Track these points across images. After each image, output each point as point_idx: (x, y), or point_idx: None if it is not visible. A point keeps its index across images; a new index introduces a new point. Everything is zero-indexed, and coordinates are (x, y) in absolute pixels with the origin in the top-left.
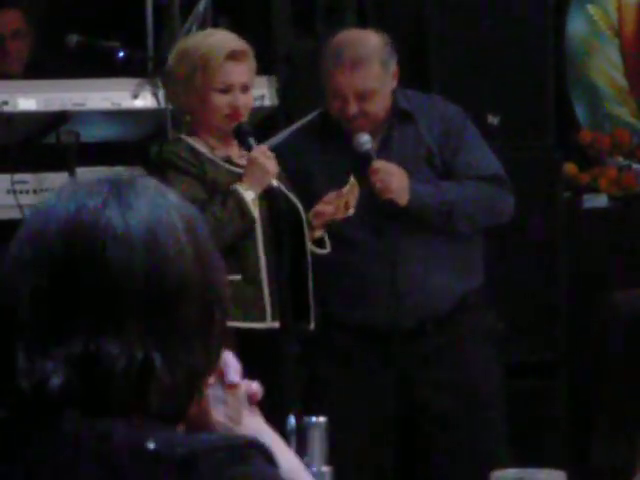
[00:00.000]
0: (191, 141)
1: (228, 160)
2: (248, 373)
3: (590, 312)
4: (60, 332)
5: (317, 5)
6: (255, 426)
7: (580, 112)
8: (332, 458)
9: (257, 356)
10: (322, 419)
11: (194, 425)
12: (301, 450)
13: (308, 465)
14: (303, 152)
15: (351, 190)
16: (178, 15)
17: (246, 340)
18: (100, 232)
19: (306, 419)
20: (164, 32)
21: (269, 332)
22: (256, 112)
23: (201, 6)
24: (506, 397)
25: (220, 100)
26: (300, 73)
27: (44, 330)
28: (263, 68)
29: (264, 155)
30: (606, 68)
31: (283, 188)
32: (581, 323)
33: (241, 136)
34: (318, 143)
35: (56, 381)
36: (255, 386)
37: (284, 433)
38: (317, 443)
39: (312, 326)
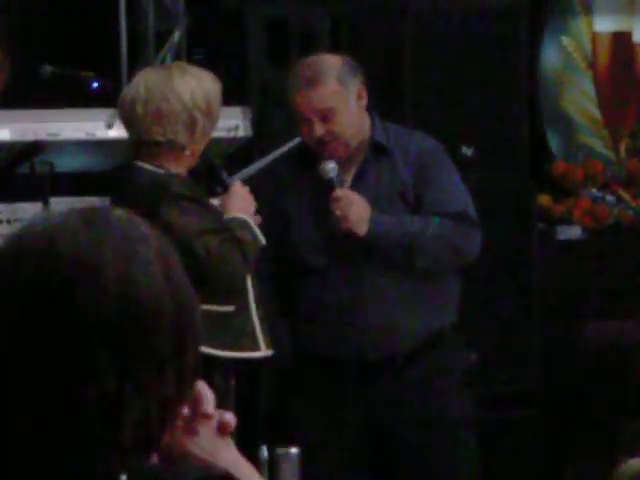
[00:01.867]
0: (182, 174)
1: None
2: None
3: (565, 343)
4: (28, 367)
5: (291, 36)
6: (229, 457)
7: (554, 143)
8: None
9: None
10: (293, 450)
11: (168, 456)
12: None
13: None
14: (278, 182)
15: None
16: (152, 45)
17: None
18: (71, 263)
19: (278, 450)
20: (138, 62)
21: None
22: (230, 143)
23: (176, 36)
24: (480, 429)
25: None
26: (275, 104)
27: (12, 362)
28: (237, 99)
29: (246, 191)
30: (580, 100)
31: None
32: (556, 354)
33: (214, 171)
34: (292, 173)
35: (25, 420)
36: (228, 416)
37: (257, 463)
38: (289, 474)
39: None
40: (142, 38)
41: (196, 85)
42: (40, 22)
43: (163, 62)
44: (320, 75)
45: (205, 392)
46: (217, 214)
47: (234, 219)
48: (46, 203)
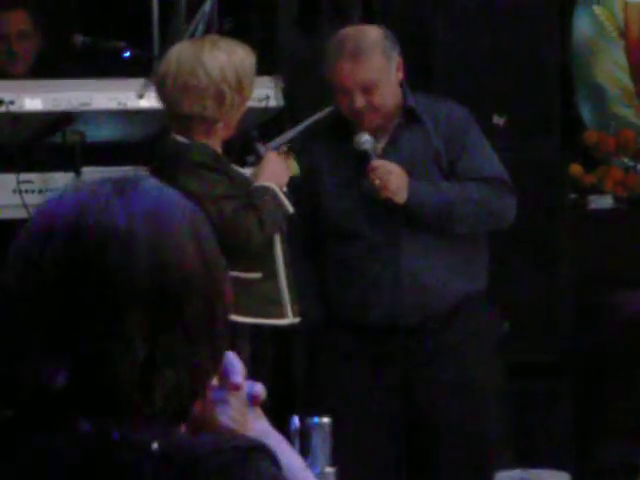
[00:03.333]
0: (207, 143)
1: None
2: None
3: (596, 313)
4: (64, 332)
5: (322, 5)
6: (259, 427)
7: (586, 113)
8: (336, 458)
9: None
10: (325, 420)
11: (198, 426)
12: (305, 451)
13: (312, 466)
14: (313, 150)
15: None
16: (184, 15)
17: (261, 338)
18: (103, 232)
19: (309, 420)
20: (169, 32)
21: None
22: (261, 112)
23: (207, 6)
24: (509, 397)
25: None
26: (305, 73)
27: (48, 330)
28: (268, 68)
29: (278, 158)
30: (612, 69)
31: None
32: (586, 324)
33: (249, 141)
34: (327, 141)
35: (61, 381)
36: (258, 387)
37: (288, 434)
38: (320, 444)
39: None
40: (174, 7)
41: (226, 59)
42: None
43: (194, 32)
44: (365, 48)
45: (234, 362)
46: (240, 182)
47: (260, 187)
48: (78, 173)
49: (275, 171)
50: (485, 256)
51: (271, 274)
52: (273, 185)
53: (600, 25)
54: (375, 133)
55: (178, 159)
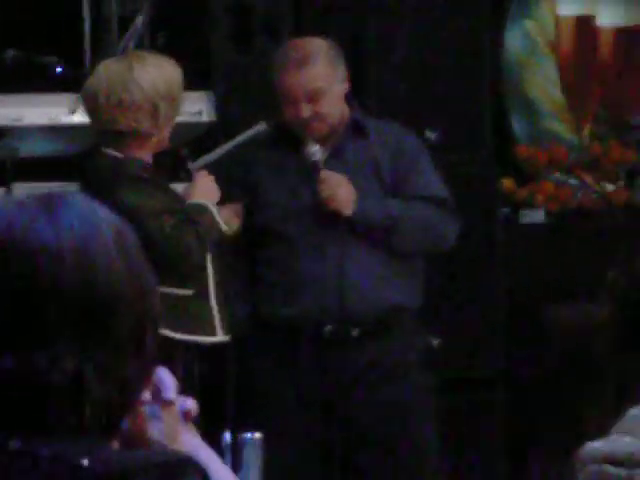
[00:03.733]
0: (142, 158)
1: None
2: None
3: (528, 327)
4: None
5: (255, 20)
6: (190, 443)
7: (517, 127)
8: (267, 474)
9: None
10: (257, 435)
11: (129, 442)
12: (236, 466)
13: None
14: (252, 162)
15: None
16: (116, 30)
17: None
18: (30, 247)
19: (241, 435)
20: (101, 47)
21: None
22: (194, 127)
23: (139, 21)
24: (444, 412)
25: None
26: (238, 88)
27: None
28: (201, 83)
29: (209, 178)
30: (543, 84)
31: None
32: (519, 338)
33: (178, 158)
34: (269, 150)
35: None
36: (190, 403)
37: (220, 449)
38: (252, 459)
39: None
40: (105, 23)
41: (157, 73)
42: (2, 6)
43: (126, 47)
44: (310, 56)
45: (166, 378)
46: (176, 197)
47: (194, 204)
48: (9, 188)
49: (206, 189)
50: (420, 273)
51: (202, 291)
52: (205, 202)
53: (531, 39)
54: (319, 143)
55: (115, 173)
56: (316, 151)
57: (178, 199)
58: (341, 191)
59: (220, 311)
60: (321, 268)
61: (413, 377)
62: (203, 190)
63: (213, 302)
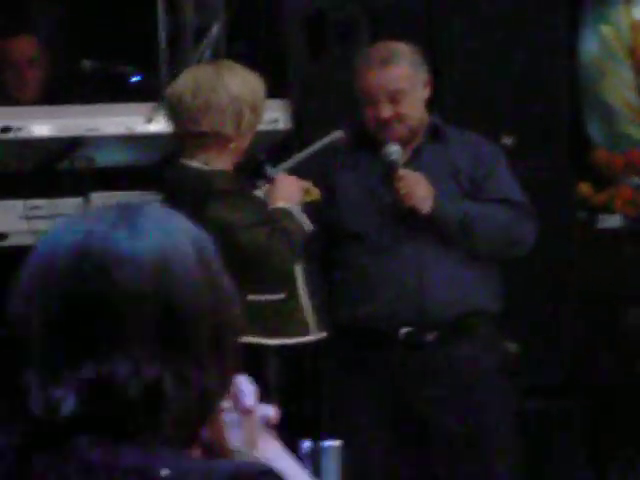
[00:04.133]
0: (228, 169)
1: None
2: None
3: (606, 331)
4: (71, 357)
5: (330, 29)
6: (271, 450)
7: (594, 132)
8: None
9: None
10: (337, 443)
11: (210, 450)
12: (316, 473)
13: None
14: (330, 164)
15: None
16: (192, 39)
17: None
18: (108, 256)
19: (321, 443)
20: (177, 56)
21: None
22: (270, 135)
23: (214, 31)
24: (519, 418)
25: None
26: (314, 96)
27: (55, 356)
28: (277, 92)
29: (289, 179)
30: (620, 88)
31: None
32: (595, 343)
33: (258, 165)
34: (348, 155)
35: (68, 406)
36: (271, 410)
37: (300, 456)
38: (332, 467)
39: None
40: (181, 32)
41: (243, 80)
42: (79, 17)
43: (202, 56)
44: (394, 56)
45: (246, 386)
46: (262, 206)
47: (277, 209)
48: (87, 198)
49: (288, 191)
50: (496, 276)
51: (293, 293)
52: (289, 205)
53: (607, 44)
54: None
55: (202, 188)
56: (395, 150)
57: (265, 206)
58: (419, 188)
59: (312, 308)
60: (399, 269)
61: (491, 381)
62: (285, 192)
63: (304, 301)
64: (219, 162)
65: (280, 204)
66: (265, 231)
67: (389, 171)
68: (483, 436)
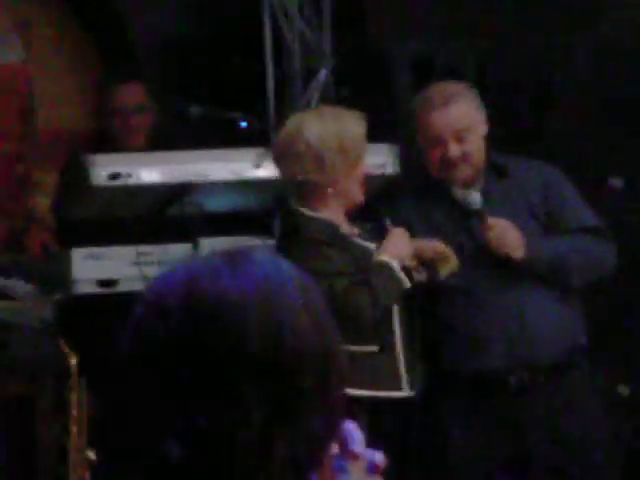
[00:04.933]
0: (326, 217)
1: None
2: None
3: None
4: (181, 403)
5: (437, 72)
6: None
7: None
8: None
9: (388, 426)
10: None
11: None
12: None
13: None
14: (402, 211)
15: (446, 256)
16: (300, 84)
17: (377, 410)
18: (215, 302)
19: None
20: (285, 101)
21: (400, 402)
22: (378, 180)
23: (322, 75)
24: (631, 459)
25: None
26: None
27: (166, 402)
28: (384, 135)
29: (405, 234)
30: None
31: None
32: None
33: (375, 213)
34: (417, 201)
35: (178, 454)
36: (379, 456)
37: None
38: None
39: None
40: (289, 77)
41: (327, 125)
42: (187, 62)
43: (309, 101)
44: (456, 95)
45: (354, 432)
46: (361, 256)
47: (378, 262)
48: (196, 244)
49: (398, 245)
50: (581, 310)
51: (388, 347)
52: (391, 259)
53: None
54: (466, 188)
55: (295, 233)
56: (476, 198)
57: (364, 258)
58: (510, 235)
59: (407, 365)
60: (500, 317)
61: (599, 414)
62: (394, 246)
63: (400, 357)
64: (325, 209)
65: (384, 257)
66: (344, 282)
67: (474, 220)
68: (589, 468)
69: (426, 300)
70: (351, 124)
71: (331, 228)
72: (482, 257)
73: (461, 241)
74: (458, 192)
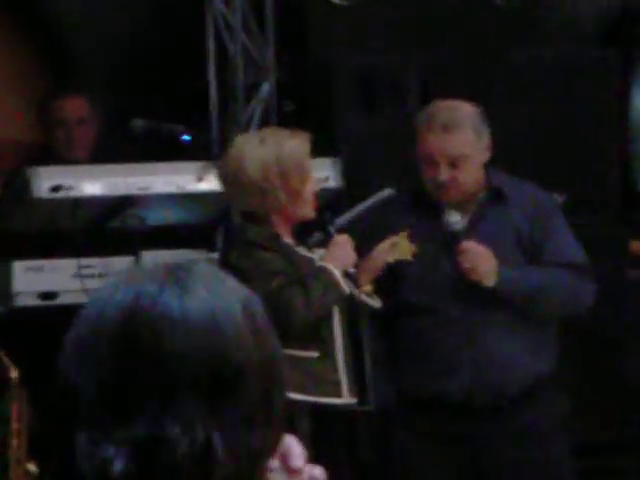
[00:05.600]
0: (273, 228)
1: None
2: (319, 453)
3: None
4: (121, 417)
5: (381, 86)
6: None
7: None
8: None
9: (329, 435)
10: None
11: None
12: None
13: None
14: (391, 225)
15: (398, 242)
16: (242, 98)
17: (320, 419)
18: (158, 317)
19: None
20: (227, 115)
21: (341, 410)
22: (321, 193)
23: (265, 89)
24: (581, 476)
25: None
26: (364, 154)
27: (105, 416)
28: (327, 150)
29: (347, 241)
30: None
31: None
32: None
33: (322, 223)
34: (408, 220)
35: (118, 465)
36: (318, 471)
37: None
38: None
39: (372, 407)
40: (231, 91)
41: (270, 153)
42: (130, 76)
43: (253, 115)
44: (458, 121)
45: (294, 445)
46: (301, 264)
47: (317, 268)
48: (137, 257)
49: (339, 253)
50: (554, 336)
51: (328, 354)
52: (331, 266)
53: None
54: (456, 209)
55: (236, 239)
56: (457, 221)
57: (304, 266)
58: (482, 262)
59: (347, 373)
60: (466, 339)
61: (556, 440)
62: (335, 254)
63: (340, 364)
64: (271, 227)
65: (327, 264)
66: (277, 280)
67: (451, 241)
68: None
69: (392, 318)
70: (293, 147)
71: (272, 235)
72: (455, 278)
73: (438, 259)
74: (445, 211)
